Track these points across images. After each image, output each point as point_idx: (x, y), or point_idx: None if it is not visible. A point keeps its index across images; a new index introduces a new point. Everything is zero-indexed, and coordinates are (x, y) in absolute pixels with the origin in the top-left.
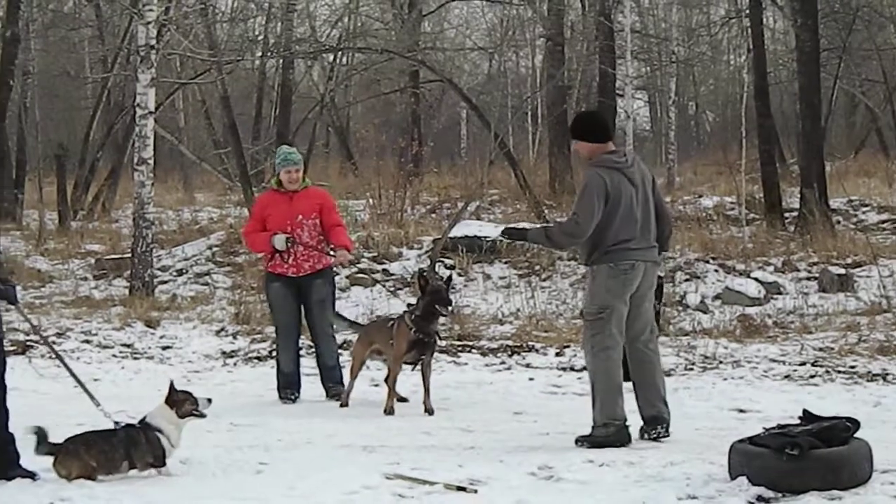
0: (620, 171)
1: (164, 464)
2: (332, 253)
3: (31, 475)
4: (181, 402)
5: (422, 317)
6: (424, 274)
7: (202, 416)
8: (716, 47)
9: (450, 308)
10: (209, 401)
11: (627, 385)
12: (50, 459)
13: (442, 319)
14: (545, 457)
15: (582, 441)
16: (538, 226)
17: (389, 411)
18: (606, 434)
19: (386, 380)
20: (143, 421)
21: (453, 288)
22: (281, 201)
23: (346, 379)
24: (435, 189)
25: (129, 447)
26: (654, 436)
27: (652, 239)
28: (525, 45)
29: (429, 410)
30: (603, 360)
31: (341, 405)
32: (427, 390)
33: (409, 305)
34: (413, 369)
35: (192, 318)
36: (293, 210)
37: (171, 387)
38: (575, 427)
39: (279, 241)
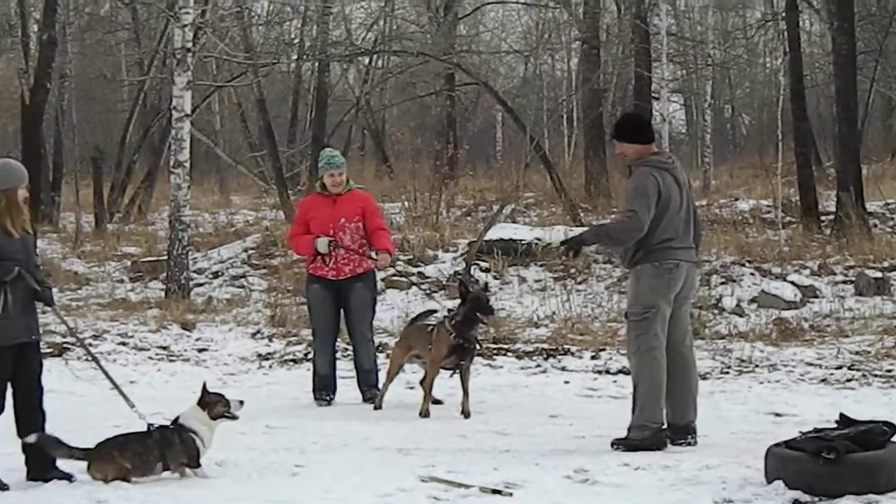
0: (669, 172)
1: (198, 464)
2: (373, 256)
3: (68, 477)
4: (213, 404)
5: (462, 323)
6: (463, 280)
7: (234, 418)
8: (752, 50)
9: (492, 316)
10: (241, 403)
11: None
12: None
13: (487, 325)
14: (581, 460)
15: (618, 444)
16: (594, 225)
17: (425, 414)
18: (643, 437)
19: (422, 383)
20: (176, 422)
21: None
22: (324, 204)
23: (382, 382)
24: (470, 192)
25: (164, 448)
26: (683, 443)
27: (692, 240)
28: (561, 49)
29: (466, 413)
30: (648, 362)
31: (375, 408)
32: (466, 393)
33: (448, 311)
34: (451, 375)
35: (227, 321)
36: (336, 213)
37: (204, 388)
38: (611, 430)
39: (322, 243)
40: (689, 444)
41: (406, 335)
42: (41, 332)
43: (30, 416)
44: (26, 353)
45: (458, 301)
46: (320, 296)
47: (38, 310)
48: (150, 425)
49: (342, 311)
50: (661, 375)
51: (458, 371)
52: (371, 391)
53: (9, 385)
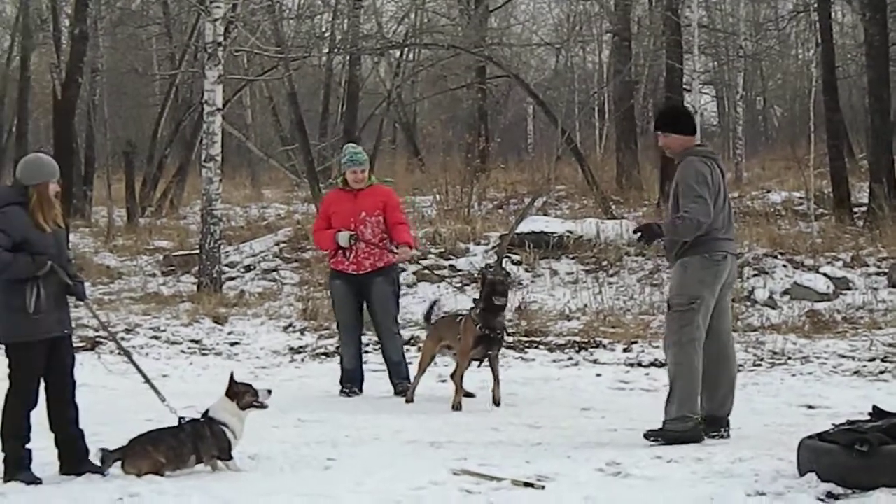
0: (716, 162)
1: (230, 457)
2: (394, 250)
3: (101, 471)
4: (242, 394)
5: (486, 310)
6: (484, 271)
7: (263, 406)
8: (784, 42)
9: (505, 298)
10: (269, 392)
11: None
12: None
13: (507, 314)
14: (613, 453)
15: (655, 436)
16: (665, 220)
17: (457, 407)
18: (684, 429)
19: (453, 376)
20: (206, 414)
21: (512, 282)
22: (346, 199)
23: (413, 374)
24: (501, 185)
25: (196, 441)
26: (717, 436)
27: (734, 232)
28: (592, 41)
29: (496, 401)
30: (690, 353)
31: (407, 401)
32: (497, 381)
33: (474, 301)
34: (479, 366)
35: (259, 315)
36: (357, 207)
37: (232, 379)
38: (643, 423)
39: (343, 237)
40: (722, 436)
41: (437, 326)
42: (73, 326)
43: (62, 411)
44: (58, 347)
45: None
46: (342, 291)
47: (70, 304)
48: (181, 419)
49: (366, 305)
50: (700, 367)
51: (486, 361)
52: (402, 384)
53: (41, 379)
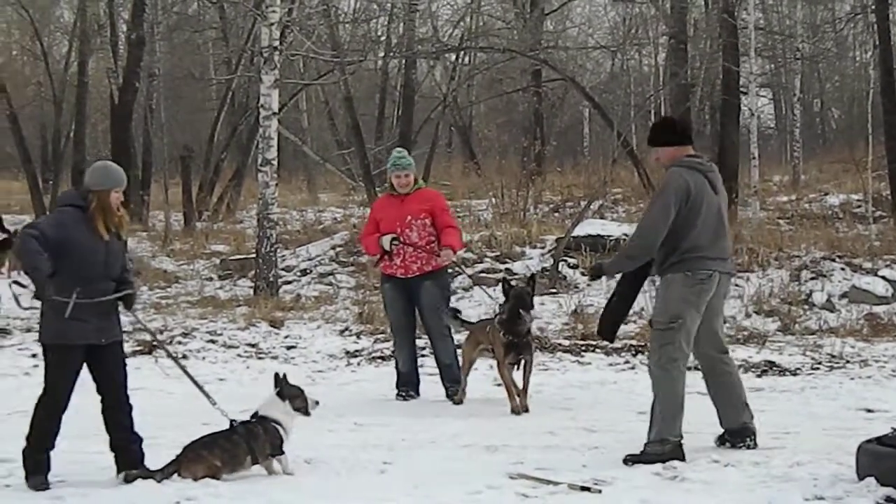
0: (703, 174)
1: (282, 451)
2: (439, 254)
3: (153, 475)
4: (294, 397)
5: (508, 320)
6: (506, 278)
7: (307, 414)
8: (841, 43)
9: (531, 312)
10: (317, 403)
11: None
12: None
13: (528, 321)
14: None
15: (633, 460)
16: (615, 255)
17: (516, 411)
18: (661, 451)
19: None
20: (256, 415)
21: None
22: (392, 204)
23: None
24: (557, 188)
25: (251, 442)
26: (742, 447)
27: (728, 249)
28: (648, 43)
29: (523, 408)
30: (669, 373)
31: (456, 402)
32: (524, 389)
33: (499, 306)
34: (516, 369)
35: (315, 318)
36: (403, 211)
37: (283, 379)
38: (699, 427)
39: (385, 240)
40: (748, 446)
41: (474, 331)
42: (132, 329)
43: (114, 416)
44: (98, 354)
45: (503, 299)
46: (392, 294)
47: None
48: (232, 421)
49: (417, 308)
50: (681, 388)
51: (521, 365)
52: (453, 387)
53: (74, 384)
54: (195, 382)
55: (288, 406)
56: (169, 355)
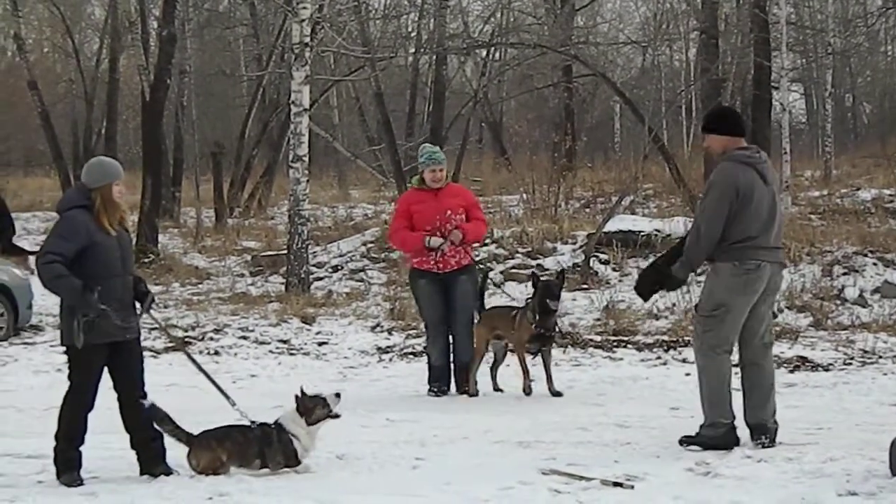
0: (753, 167)
1: (297, 462)
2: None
3: (172, 471)
4: (311, 410)
5: (541, 312)
6: (535, 272)
7: (336, 416)
8: (873, 38)
9: (557, 302)
10: (338, 395)
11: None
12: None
13: (555, 308)
14: (702, 453)
15: (688, 442)
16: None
17: (527, 391)
18: (714, 435)
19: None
20: (277, 423)
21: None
22: (427, 198)
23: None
24: (589, 184)
25: (263, 445)
26: (759, 444)
27: (779, 240)
28: (679, 39)
29: (554, 392)
30: (711, 360)
31: (469, 395)
32: (549, 377)
33: (528, 298)
34: (533, 358)
35: (347, 315)
36: (441, 206)
37: (301, 397)
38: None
39: (436, 241)
40: (762, 444)
41: (489, 316)
42: (163, 325)
43: (133, 413)
44: (121, 351)
45: (532, 291)
46: (428, 290)
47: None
48: (251, 422)
49: (448, 302)
50: (727, 373)
51: (540, 354)
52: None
53: (99, 383)
54: (214, 382)
55: (305, 423)
56: (186, 354)
